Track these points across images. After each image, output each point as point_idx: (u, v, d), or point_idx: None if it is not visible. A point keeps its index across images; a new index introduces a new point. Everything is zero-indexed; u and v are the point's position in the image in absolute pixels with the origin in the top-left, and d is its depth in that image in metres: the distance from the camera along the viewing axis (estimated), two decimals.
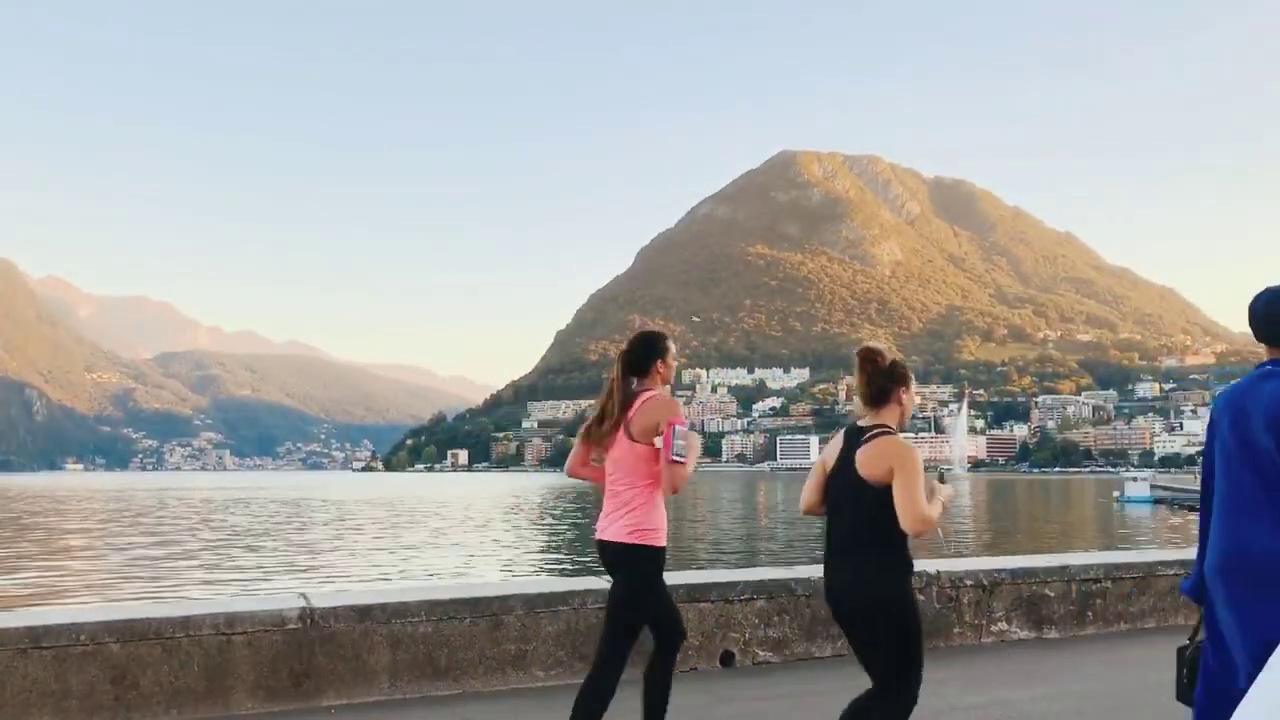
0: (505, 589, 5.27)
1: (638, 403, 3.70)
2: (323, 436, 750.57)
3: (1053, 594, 6.41)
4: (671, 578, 5.73)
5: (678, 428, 3.58)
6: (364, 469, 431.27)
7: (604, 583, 5.44)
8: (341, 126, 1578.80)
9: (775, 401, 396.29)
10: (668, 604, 3.79)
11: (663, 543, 3.70)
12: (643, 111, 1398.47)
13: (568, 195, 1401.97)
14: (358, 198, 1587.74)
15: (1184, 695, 3.02)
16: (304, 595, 5.02)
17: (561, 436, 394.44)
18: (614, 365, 3.78)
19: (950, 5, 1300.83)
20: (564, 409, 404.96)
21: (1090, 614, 6.52)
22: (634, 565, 3.68)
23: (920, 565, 6.15)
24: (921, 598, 5.96)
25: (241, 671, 4.60)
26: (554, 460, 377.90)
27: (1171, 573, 6.74)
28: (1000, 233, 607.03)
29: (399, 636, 4.88)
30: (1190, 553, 7.25)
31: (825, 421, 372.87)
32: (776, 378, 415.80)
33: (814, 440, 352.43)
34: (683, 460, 3.59)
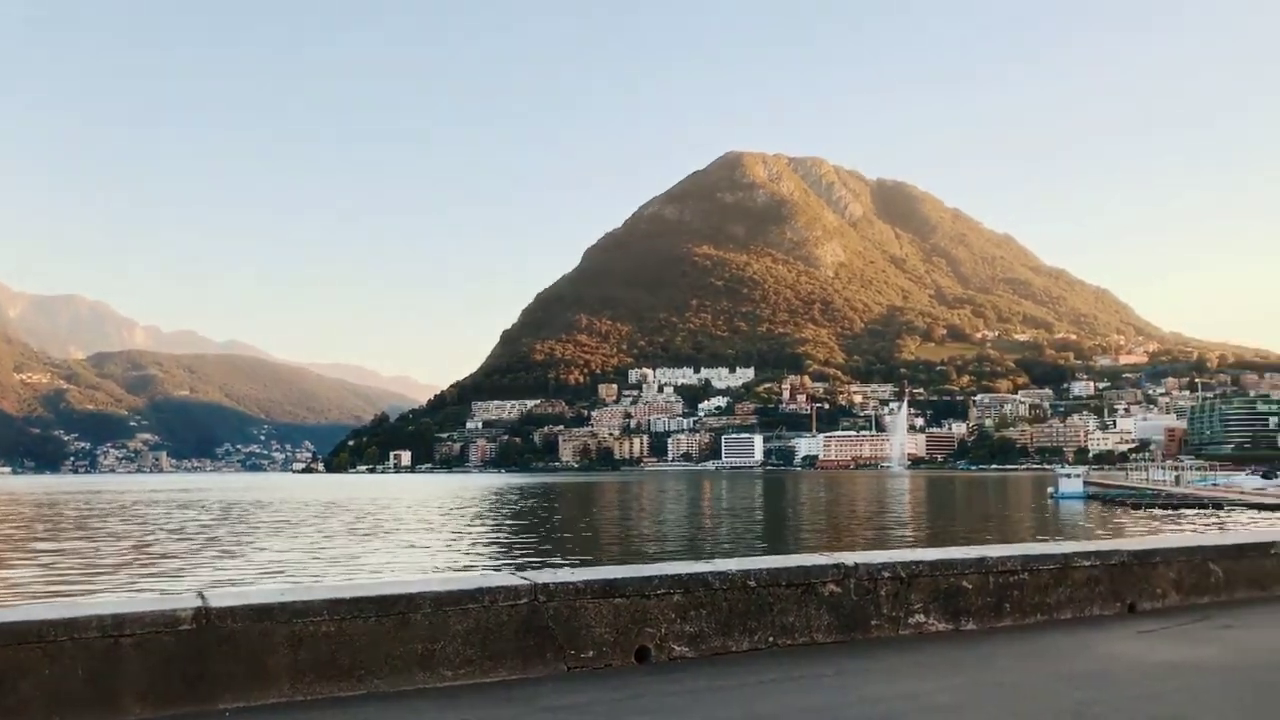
0: (412, 586, 5.12)
1: None
2: (263, 437, 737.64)
3: (970, 586, 6.42)
4: (587, 573, 5.64)
5: None
6: (304, 470, 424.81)
7: (517, 580, 5.33)
8: (281, 124, 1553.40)
9: (721, 400, 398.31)
10: None
11: None
12: (590, 111, 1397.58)
13: (514, 194, 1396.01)
14: (298, 196, 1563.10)
15: None
16: (201, 595, 4.82)
17: (506, 436, 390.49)
18: None
19: (894, 10, 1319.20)
20: (510, 409, 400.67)
21: (1008, 605, 6.54)
22: None
23: (837, 558, 6.13)
24: (838, 589, 5.93)
25: (131, 675, 4.40)
26: (498, 461, 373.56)
27: (1088, 564, 6.80)
28: (941, 234, 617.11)
29: (300, 636, 4.71)
30: (1108, 544, 7.32)
31: (769, 420, 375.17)
32: (722, 377, 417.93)
33: (758, 439, 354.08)
34: None
